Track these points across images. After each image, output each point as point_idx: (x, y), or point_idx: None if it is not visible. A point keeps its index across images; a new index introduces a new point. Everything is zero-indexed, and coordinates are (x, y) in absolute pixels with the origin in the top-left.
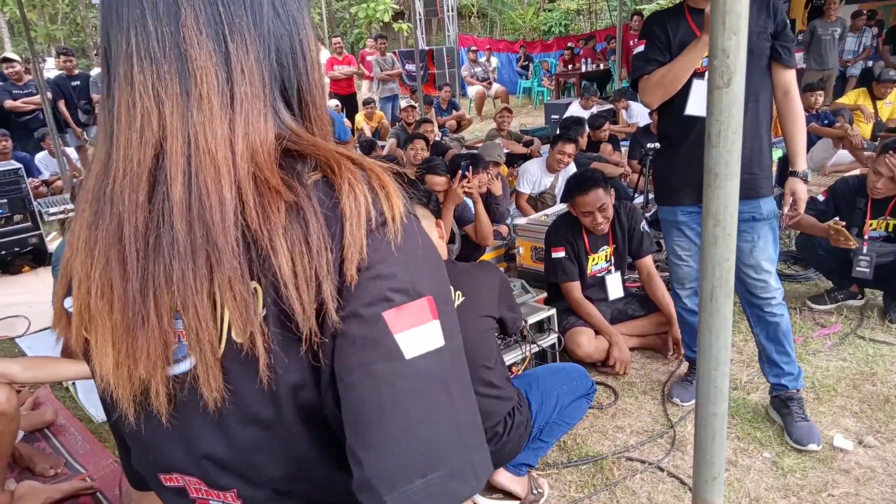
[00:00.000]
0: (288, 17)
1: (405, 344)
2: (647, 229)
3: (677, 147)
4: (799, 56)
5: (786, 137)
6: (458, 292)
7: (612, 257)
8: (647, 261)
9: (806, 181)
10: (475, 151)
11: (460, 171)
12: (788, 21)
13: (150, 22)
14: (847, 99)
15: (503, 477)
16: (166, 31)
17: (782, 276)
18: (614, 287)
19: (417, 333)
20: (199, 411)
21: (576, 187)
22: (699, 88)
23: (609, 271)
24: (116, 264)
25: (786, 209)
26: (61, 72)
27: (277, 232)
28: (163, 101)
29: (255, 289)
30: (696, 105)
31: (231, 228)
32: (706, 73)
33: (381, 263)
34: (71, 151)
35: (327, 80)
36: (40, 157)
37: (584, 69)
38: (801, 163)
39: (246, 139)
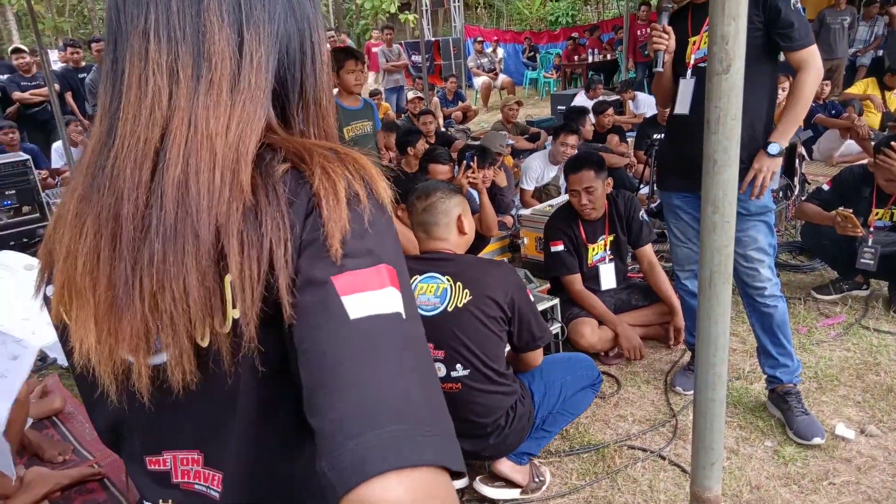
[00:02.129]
0: (303, 17)
1: (351, 305)
2: (646, 218)
3: (669, 139)
4: None
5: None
6: (466, 290)
7: (611, 247)
8: (647, 250)
9: (772, 156)
10: (480, 143)
11: (465, 162)
12: (788, 5)
13: (173, 2)
14: (856, 89)
15: (504, 465)
16: (189, 12)
17: (788, 267)
18: (607, 277)
19: (368, 297)
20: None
21: (569, 164)
22: (682, 88)
23: (605, 261)
24: (108, 241)
25: (746, 183)
26: (66, 64)
27: (233, 231)
28: (177, 81)
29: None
30: (680, 104)
31: (213, 218)
32: (689, 71)
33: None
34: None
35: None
36: (56, 146)
37: (590, 60)
38: (776, 135)
39: (238, 129)
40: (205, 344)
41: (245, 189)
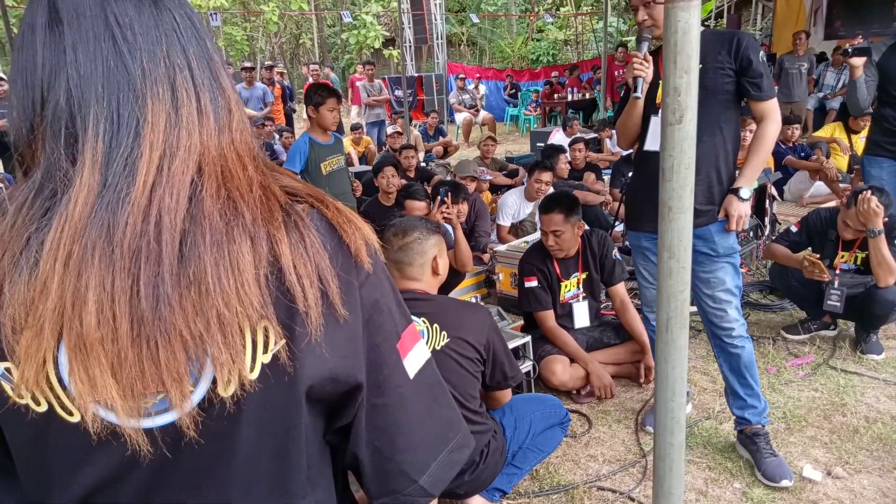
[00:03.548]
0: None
1: (410, 366)
2: (619, 257)
3: (640, 177)
4: None
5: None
6: (443, 332)
7: (584, 284)
8: (620, 288)
9: (744, 200)
10: (453, 173)
11: (439, 198)
12: (757, 57)
13: (191, 58)
14: (824, 132)
15: (476, 501)
16: (205, 70)
17: (758, 306)
18: (581, 315)
19: (415, 353)
20: (219, 441)
21: (542, 204)
22: (655, 125)
23: (579, 298)
24: (126, 279)
25: (730, 226)
26: None
27: (280, 227)
28: (205, 124)
29: (266, 328)
30: (651, 141)
31: (262, 222)
32: (661, 111)
33: (382, 297)
34: None
35: None
36: None
37: (569, 98)
38: (743, 181)
39: (255, 159)
40: (228, 393)
41: (279, 196)
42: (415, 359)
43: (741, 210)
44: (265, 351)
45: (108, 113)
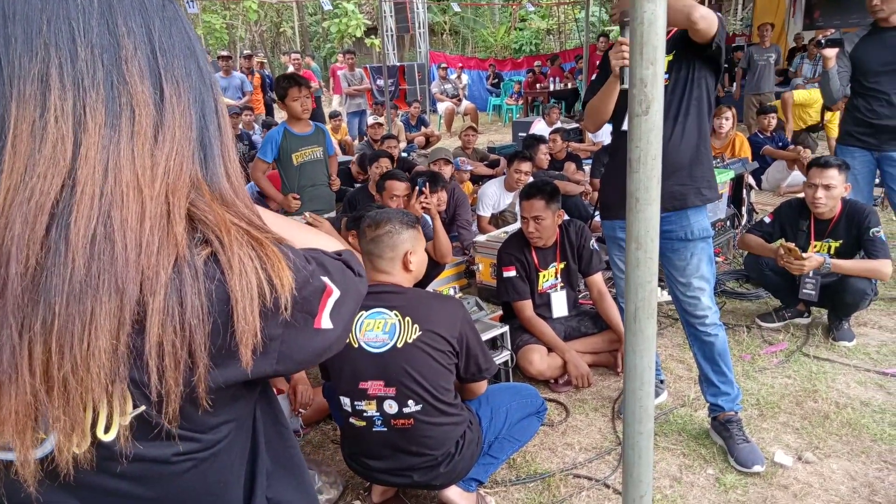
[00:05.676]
0: (207, 75)
1: (325, 323)
2: (597, 247)
3: (616, 162)
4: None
5: None
6: (415, 325)
7: (561, 274)
8: (598, 278)
9: None
10: (427, 160)
11: (417, 188)
12: (724, 43)
13: (80, 48)
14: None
15: (453, 492)
16: (100, 60)
17: (734, 294)
18: (559, 305)
19: (327, 310)
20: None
21: (523, 191)
22: None
23: (556, 288)
24: None
25: None
26: None
27: (159, 290)
28: (85, 130)
29: (123, 391)
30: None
31: (139, 272)
32: None
33: (272, 340)
34: None
35: None
36: None
37: (552, 88)
38: None
39: (166, 180)
40: (80, 450)
41: (179, 242)
42: (326, 313)
43: None
44: (122, 413)
45: None
